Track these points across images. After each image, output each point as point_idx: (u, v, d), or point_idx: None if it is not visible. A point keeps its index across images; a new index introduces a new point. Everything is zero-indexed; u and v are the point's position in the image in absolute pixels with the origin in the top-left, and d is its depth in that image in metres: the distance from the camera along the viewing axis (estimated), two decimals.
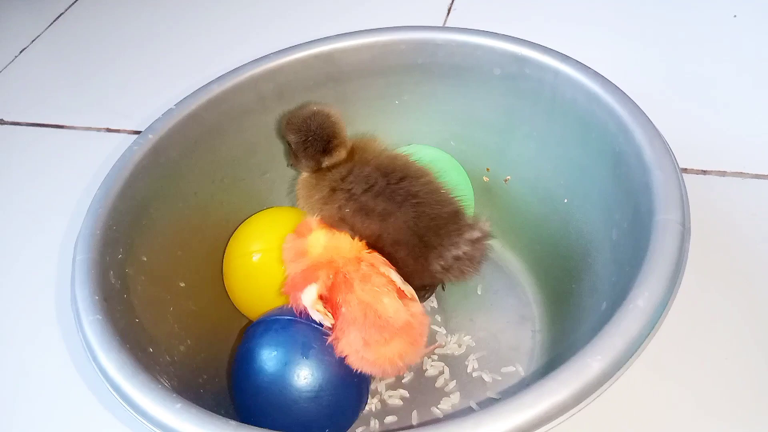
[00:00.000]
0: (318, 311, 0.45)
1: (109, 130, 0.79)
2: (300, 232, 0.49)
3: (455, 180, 0.54)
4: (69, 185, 0.72)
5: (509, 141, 0.56)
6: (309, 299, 0.45)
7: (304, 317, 0.46)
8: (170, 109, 0.53)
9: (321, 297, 0.45)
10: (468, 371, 0.51)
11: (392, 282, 0.45)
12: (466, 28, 0.54)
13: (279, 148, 0.57)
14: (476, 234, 0.48)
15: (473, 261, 0.48)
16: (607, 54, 0.76)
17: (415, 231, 0.47)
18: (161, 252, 0.49)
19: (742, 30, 0.77)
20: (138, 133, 0.77)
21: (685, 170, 0.63)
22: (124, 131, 0.78)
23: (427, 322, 0.47)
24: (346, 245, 0.47)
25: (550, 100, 0.51)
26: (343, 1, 0.92)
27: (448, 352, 0.52)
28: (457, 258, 0.47)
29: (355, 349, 0.44)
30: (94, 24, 0.98)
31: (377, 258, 0.47)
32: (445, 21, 0.85)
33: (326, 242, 0.47)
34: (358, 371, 0.45)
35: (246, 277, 0.52)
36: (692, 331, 0.51)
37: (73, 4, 1.02)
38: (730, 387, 0.48)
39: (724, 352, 0.50)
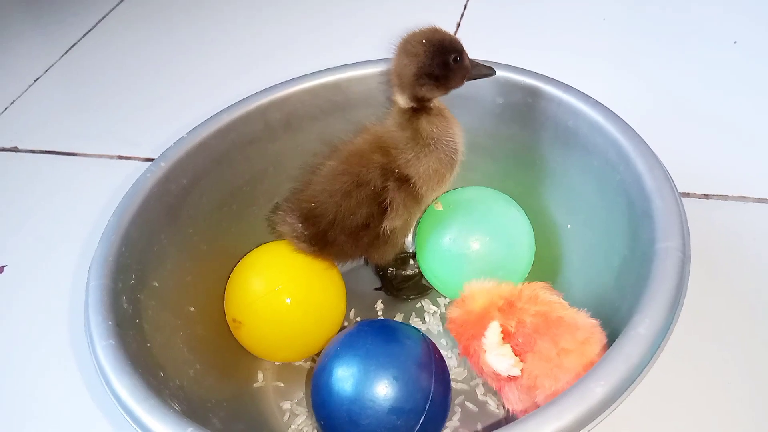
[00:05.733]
0: (505, 355, 0.43)
1: (120, 157, 0.80)
2: (460, 302, 0.49)
3: (513, 220, 0.55)
4: (82, 212, 0.73)
5: (512, 168, 0.57)
6: (494, 338, 0.44)
7: (488, 376, 0.45)
8: (182, 138, 0.54)
9: (504, 333, 0.44)
10: (474, 395, 0.51)
11: (560, 301, 0.45)
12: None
13: (286, 175, 0.58)
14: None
15: None
16: (609, 81, 0.78)
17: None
18: (171, 277, 0.50)
19: (743, 55, 0.78)
20: (149, 160, 0.78)
21: (687, 195, 0.64)
22: (136, 158, 0.80)
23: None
24: (502, 287, 0.47)
25: (552, 129, 0.52)
26: (349, 30, 0.94)
27: (455, 375, 0.53)
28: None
29: (548, 357, 0.42)
30: (106, 53, 1.01)
31: (536, 285, 0.47)
32: None
33: (482, 292, 0.47)
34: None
35: (277, 320, 0.51)
36: (695, 354, 0.51)
37: (86, 34, 1.05)
38: (733, 411, 0.48)
39: (728, 376, 0.50)
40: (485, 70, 0.49)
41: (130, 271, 0.46)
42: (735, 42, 0.80)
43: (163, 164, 0.52)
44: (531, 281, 0.49)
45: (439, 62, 0.46)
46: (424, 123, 0.48)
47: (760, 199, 0.62)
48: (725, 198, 0.63)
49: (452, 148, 0.49)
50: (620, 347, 0.34)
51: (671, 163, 0.67)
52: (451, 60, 0.47)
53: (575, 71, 0.79)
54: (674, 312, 0.36)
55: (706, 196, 0.63)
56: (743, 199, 0.62)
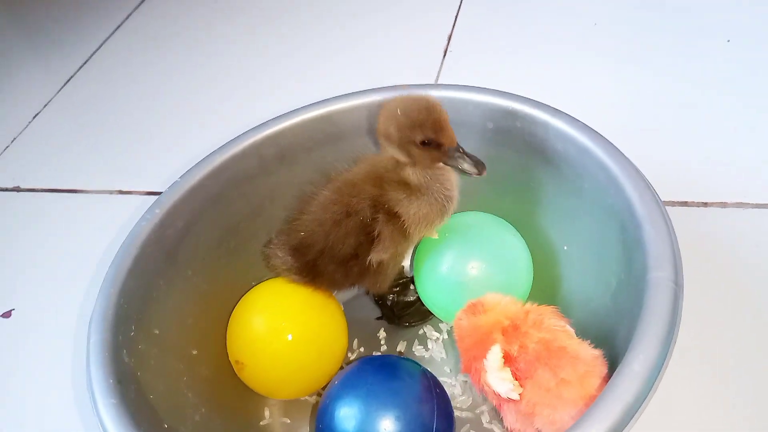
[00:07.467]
0: (505, 379, 0.43)
1: (121, 192, 0.81)
2: (472, 308, 0.48)
3: (511, 245, 0.55)
4: (86, 251, 0.74)
5: (507, 191, 0.57)
6: (495, 362, 0.43)
7: (488, 394, 0.45)
8: (176, 182, 0.54)
9: (505, 357, 0.44)
10: (479, 423, 0.52)
11: (565, 329, 0.45)
12: (459, 85, 0.55)
13: (283, 208, 0.59)
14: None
15: None
16: (604, 88, 0.77)
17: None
18: (172, 322, 0.51)
19: (737, 55, 0.77)
20: (150, 193, 0.79)
21: (685, 203, 0.63)
22: (137, 192, 0.80)
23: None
24: (509, 304, 0.47)
25: (542, 152, 0.52)
26: (340, 59, 0.93)
27: (459, 404, 0.53)
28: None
29: (547, 387, 0.41)
30: (103, 84, 1.01)
31: (544, 309, 0.46)
32: (441, 67, 0.86)
33: (492, 306, 0.47)
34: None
35: (279, 359, 0.51)
36: (698, 366, 0.51)
37: (82, 66, 1.05)
38: (739, 424, 0.48)
39: (732, 387, 0.50)
40: (468, 167, 0.47)
41: (131, 322, 0.47)
42: (728, 41, 0.79)
43: (157, 210, 0.52)
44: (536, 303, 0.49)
45: (407, 140, 0.46)
46: (410, 174, 0.48)
47: (758, 204, 0.62)
48: (724, 205, 0.62)
49: (444, 195, 0.49)
50: (615, 386, 0.34)
51: (668, 172, 0.66)
52: (419, 141, 0.46)
53: (570, 79, 0.79)
54: (669, 345, 0.36)
55: (705, 204, 0.63)
56: (741, 205, 0.62)
